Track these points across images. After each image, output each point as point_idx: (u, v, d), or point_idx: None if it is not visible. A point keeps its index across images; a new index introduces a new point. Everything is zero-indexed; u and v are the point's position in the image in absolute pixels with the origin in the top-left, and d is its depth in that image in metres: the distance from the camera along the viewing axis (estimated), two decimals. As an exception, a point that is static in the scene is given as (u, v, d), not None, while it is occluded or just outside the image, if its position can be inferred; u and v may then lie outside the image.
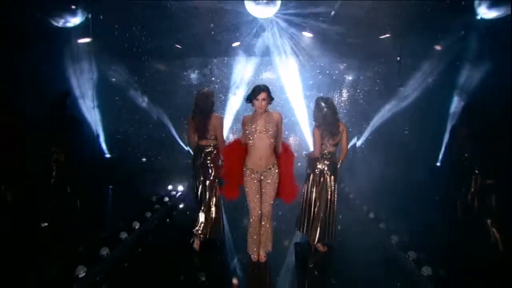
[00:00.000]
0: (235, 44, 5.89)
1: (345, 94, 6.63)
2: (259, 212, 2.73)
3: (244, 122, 2.69)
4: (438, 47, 4.86)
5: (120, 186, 5.19)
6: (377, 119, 6.13)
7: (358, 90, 6.57)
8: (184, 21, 4.51)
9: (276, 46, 5.44)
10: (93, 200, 4.41)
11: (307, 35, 5.50)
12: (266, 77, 6.59)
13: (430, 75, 5.08)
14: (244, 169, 2.71)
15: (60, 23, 3.75)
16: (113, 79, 5.78)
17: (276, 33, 5.16)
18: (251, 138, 2.60)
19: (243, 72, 6.16)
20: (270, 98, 2.60)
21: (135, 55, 5.50)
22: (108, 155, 5.99)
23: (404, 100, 5.65)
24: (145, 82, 6.21)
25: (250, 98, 2.60)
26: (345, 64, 6.61)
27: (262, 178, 2.69)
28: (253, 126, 2.60)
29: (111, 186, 5.39)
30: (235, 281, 2.72)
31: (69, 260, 2.59)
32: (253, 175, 2.68)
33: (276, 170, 2.71)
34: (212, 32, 5.06)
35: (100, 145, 5.83)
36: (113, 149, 6.03)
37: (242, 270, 2.89)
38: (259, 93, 2.54)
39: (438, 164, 4.93)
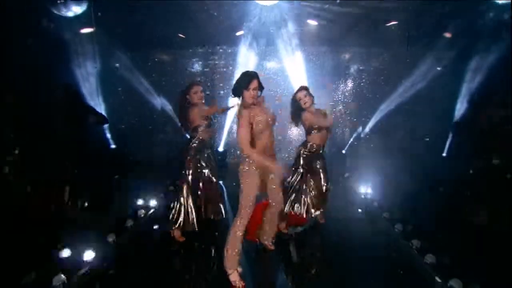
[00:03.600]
0: (238, 33, 5.83)
1: (350, 82, 6.56)
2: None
3: (249, 113, 2.21)
4: (451, 33, 4.74)
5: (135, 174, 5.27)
6: (383, 108, 6.08)
7: (364, 79, 6.48)
8: (187, 10, 4.45)
9: (280, 34, 5.35)
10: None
11: (312, 23, 5.40)
12: (270, 66, 6.55)
13: (440, 62, 4.99)
14: (245, 168, 2.26)
15: (63, 12, 3.72)
16: (116, 69, 5.80)
17: (280, 21, 5.05)
18: (261, 130, 2.23)
19: (246, 61, 6.10)
20: (261, 87, 2.27)
21: (139, 45, 5.50)
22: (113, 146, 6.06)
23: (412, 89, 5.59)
24: (148, 71, 6.22)
25: (240, 89, 2.21)
26: (351, 52, 6.51)
27: (268, 178, 2.45)
28: (259, 117, 2.22)
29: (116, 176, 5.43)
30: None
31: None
32: (257, 173, 2.29)
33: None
34: (216, 21, 5.00)
35: (105, 135, 5.89)
36: (119, 139, 6.08)
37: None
38: (250, 81, 2.17)
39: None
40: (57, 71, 3.98)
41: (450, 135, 5.21)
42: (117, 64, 5.81)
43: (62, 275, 2.19)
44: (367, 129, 6.47)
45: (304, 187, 3.18)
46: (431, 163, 4.94)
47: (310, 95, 3.07)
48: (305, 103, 3.03)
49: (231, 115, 6.44)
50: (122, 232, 3.08)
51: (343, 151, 6.64)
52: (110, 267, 2.60)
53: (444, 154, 5.41)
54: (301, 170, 3.19)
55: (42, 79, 3.51)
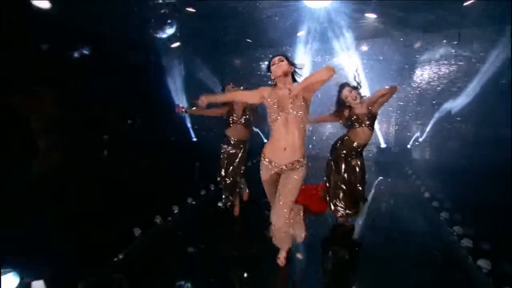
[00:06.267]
0: (300, 33, 6.29)
1: (414, 77, 6.28)
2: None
3: (263, 91, 2.09)
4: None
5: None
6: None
7: (426, 75, 6.12)
8: (250, 17, 5.17)
9: (335, 31, 5.56)
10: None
11: (371, 16, 5.43)
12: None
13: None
14: (262, 156, 2.16)
15: (160, 34, 4.94)
16: (199, 74, 7.00)
17: (336, 19, 5.27)
18: (275, 115, 2.00)
19: (305, 60, 6.52)
20: (290, 64, 2.07)
21: (215, 52, 6.54)
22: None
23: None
24: (225, 74, 7.23)
25: (268, 67, 2.10)
26: (417, 44, 6.20)
27: (283, 175, 2.13)
28: (276, 101, 1.99)
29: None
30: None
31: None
32: (270, 167, 2.12)
33: (303, 168, 2.09)
34: (278, 25, 5.59)
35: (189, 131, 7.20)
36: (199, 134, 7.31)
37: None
38: (274, 57, 2.08)
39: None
40: (154, 78, 5.28)
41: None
42: (201, 72, 6.99)
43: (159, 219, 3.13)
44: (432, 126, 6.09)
45: (338, 182, 3.04)
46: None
47: (355, 88, 2.87)
48: (354, 99, 2.83)
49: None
50: (196, 198, 3.98)
51: (408, 146, 6.38)
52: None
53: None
54: (335, 164, 3.06)
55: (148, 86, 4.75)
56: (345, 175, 3.02)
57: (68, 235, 2.62)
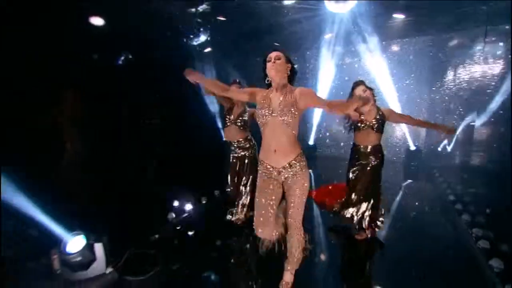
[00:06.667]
0: (327, 36, 6.40)
1: (445, 77, 6.08)
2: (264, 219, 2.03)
3: (256, 92, 2.01)
4: None
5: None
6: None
7: (457, 74, 5.88)
8: (276, 21, 5.40)
9: (361, 33, 5.59)
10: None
11: (399, 16, 5.39)
12: (360, 65, 6.80)
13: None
14: (259, 162, 2.08)
15: (194, 41, 5.40)
16: (229, 77, 7.39)
17: (362, 21, 5.29)
18: (263, 119, 1.92)
19: (329, 63, 6.61)
20: (288, 63, 1.92)
21: (244, 56, 6.86)
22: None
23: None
24: (254, 76, 7.56)
25: (264, 62, 1.93)
26: (449, 43, 6.00)
27: (283, 179, 1.99)
28: (265, 103, 1.92)
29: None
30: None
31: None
32: (268, 172, 2.00)
33: (303, 169, 1.97)
34: (303, 28, 5.76)
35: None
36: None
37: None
38: (270, 52, 1.91)
39: None
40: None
41: None
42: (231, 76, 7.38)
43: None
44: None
45: (358, 186, 2.85)
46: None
47: (370, 89, 2.71)
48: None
49: (318, 111, 7.08)
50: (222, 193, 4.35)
51: (439, 148, 6.21)
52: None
53: None
54: (356, 168, 2.87)
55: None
56: (358, 180, 2.84)
57: (122, 214, 3.20)
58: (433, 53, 6.11)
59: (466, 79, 5.84)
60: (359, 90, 2.68)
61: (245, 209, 3.16)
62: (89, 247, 2.26)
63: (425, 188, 5.09)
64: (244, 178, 3.16)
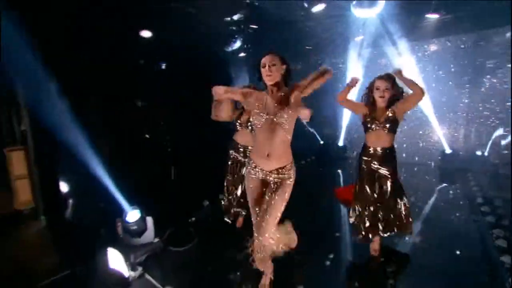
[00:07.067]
0: (357, 38, 6.51)
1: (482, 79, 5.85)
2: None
3: (250, 93, 1.93)
4: None
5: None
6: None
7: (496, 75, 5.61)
8: (310, 28, 5.68)
9: (391, 35, 5.62)
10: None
11: (432, 16, 5.34)
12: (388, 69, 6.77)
13: None
14: (249, 161, 2.04)
15: (229, 48, 5.94)
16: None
17: (392, 23, 5.34)
18: (258, 122, 1.88)
19: (370, 64, 6.67)
20: (283, 65, 1.86)
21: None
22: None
23: None
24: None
25: (258, 67, 1.88)
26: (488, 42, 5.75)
27: (271, 183, 1.98)
28: (260, 107, 1.88)
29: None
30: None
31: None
32: (257, 173, 1.98)
33: (291, 178, 1.96)
34: (333, 31, 5.96)
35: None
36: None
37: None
38: (263, 57, 1.85)
39: None
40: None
41: None
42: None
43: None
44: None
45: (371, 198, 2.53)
46: None
47: (392, 80, 2.39)
48: (381, 96, 2.38)
49: (347, 113, 7.17)
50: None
51: (478, 152, 5.97)
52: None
53: None
54: (357, 176, 2.65)
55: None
56: (370, 191, 2.54)
57: (170, 198, 3.97)
58: (470, 52, 5.92)
59: (505, 80, 5.57)
60: (379, 82, 2.41)
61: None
62: (142, 219, 2.83)
63: (455, 191, 5.00)
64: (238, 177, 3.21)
